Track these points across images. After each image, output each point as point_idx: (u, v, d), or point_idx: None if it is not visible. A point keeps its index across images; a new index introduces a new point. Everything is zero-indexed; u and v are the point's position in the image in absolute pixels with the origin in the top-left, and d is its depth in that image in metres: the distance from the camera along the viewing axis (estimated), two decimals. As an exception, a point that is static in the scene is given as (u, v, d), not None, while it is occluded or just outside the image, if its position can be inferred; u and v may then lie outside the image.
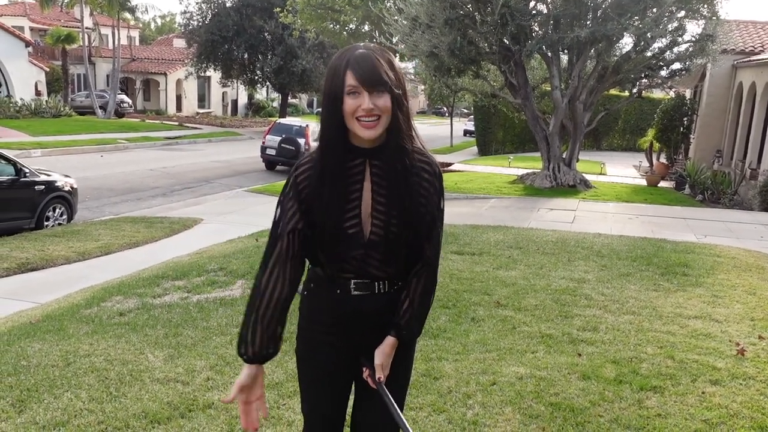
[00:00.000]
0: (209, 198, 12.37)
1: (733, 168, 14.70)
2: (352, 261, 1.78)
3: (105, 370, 3.69)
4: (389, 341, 1.84)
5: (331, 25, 24.23)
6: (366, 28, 24.32)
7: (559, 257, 6.81)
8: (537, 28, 12.68)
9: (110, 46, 35.98)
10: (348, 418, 2.06)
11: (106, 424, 3.04)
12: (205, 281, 5.83)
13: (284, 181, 1.84)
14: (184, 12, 33.92)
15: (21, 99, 26.67)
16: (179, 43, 40.60)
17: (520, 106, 14.35)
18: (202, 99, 41.55)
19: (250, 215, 10.26)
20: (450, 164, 18.86)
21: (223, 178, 15.42)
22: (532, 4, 12.59)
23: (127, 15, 32.93)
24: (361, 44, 1.75)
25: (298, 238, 1.76)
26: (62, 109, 27.74)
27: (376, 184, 1.76)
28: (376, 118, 1.67)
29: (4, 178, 8.32)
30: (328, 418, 1.99)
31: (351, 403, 2.05)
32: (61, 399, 3.29)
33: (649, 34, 11.79)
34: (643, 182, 15.90)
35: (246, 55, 32.39)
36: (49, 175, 9.12)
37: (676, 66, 13.09)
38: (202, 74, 35.53)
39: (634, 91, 14.82)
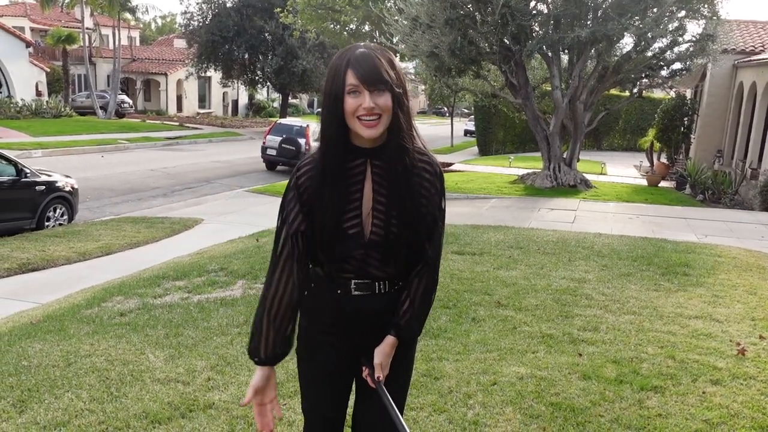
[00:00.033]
0: (210, 198, 12.37)
1: (733, 168, 14.70)
2: (352, 261, 1.79)
3: (106, 370, 3.69)
4: (389, 341, 1.84)
5: (332, 26, 24.24)
6: (366, 28, 24.32)
7: (560, 257, 6.81)
8: (537, 28, 12.68)
9: (111, 46, 36.01)
10: (349, 418, 2.06)
11: (106, 424, 3.04)
12: (205, 281, 5.83)
13: (285, 181, 1.85)
14: (185, 12, 33.82)
15: (22, 99, 26.69)
16: (180, 43, 40.61)
17: (520, 106, 14.35)
18: (203, 99, 41.57)
19: (250, 215, 10.27)
20: (450, 164, 18.86)
21: (224, 179, 15.42)
22: (532, 4, 12.59)
23: (128, 15, 32.96)
24: (362, 44, 1.75)
25: (302, 239, 1.78)
26: (63, 109, 27.75)
27: (377, 183, 1.76)
28: (377, 117, 1.67)
29: (5, 178, 8.33)
30: (328, 417, 1.99)
31: (352, 402, 2.05)
32: (62, 399, 3.29)
33: (649, 34, 11.78)
34: (644, 182, 15.90)
35: (246, 56, 32.39)
36: (49, 176, 9.13)
37: (677, 66, 13.09)
38: (203, 74, 35.54)
39: (635, 90, 14.82)
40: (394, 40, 14.63)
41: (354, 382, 2.00)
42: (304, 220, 1.77)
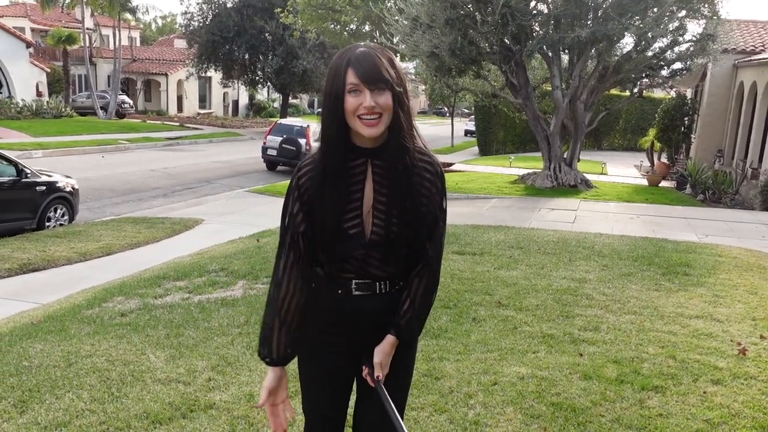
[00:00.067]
0: (210, 198, 12.37)
1: (734, 168, 14.69)
2: (353, 261, 1.79)
3: (106, 370, 3.69)
4: (389, 340, 1.84)
5: (332, 26, 24.25)
6: (367, 28, 24.33)
7: (561, 257, 6.81)
8: (538, 28, 12.68)
9: (111, 46, 36.02)
10: (350, 418, 2.06)
11: (107, 424, 3.04)
12: (206, 282, 5.83)
13: (285, 182, 1.86)
14: (185, 12, 33.80)
15: (22, 100, 26.70)
16: (180, 43, 40.62)
17: (520, 106, 14.34)
18: (203, 99, 41.58)
19: (251, 216, 10.27)
20: (451, 164, 18.85)
21: (224, 179, 15.43)
22: (532, 4, 12.58)
23: (128, 16, 32.98)
24: (362, 44, 1.76)
25: (304, 240, 1.79)
26: (63, 109, 27.76)
27: (377, 183, 1.76)
28: (377, 116, 1.67)
29: (6, 178, 8.33)
30: (328, 417, 1.99)
31: (353, 402, 2.05)
32: (63, 399, 3.30)
33: (649, 34, 11.78)
34: (644, 182, 15.89)
35: (247, 56, 32.39)
36: (50, 176, 9.13)
37: (677, 66, 13.08)
38: (203, 75, 35.55)
39: (635, 90, 14.82)
40: (395, 40, 14.63)
41: (355, 382, 2.00)
42: (304, 220, 1.78)
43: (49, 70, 31.01)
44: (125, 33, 38.46)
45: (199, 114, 38.83)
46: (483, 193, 12.60)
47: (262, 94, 45.23)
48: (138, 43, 47.32)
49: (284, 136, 16.88)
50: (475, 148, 26.55)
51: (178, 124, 30.90)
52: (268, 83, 34.62)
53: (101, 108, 30.60)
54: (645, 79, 13.95)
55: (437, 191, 1.81)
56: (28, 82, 28.62)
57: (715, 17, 12.35)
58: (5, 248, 7.29)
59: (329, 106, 1.71)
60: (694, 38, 12.59)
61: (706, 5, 12.27)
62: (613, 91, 21.42)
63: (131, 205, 11.51)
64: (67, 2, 32.22)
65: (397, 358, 1.88)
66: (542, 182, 13.40)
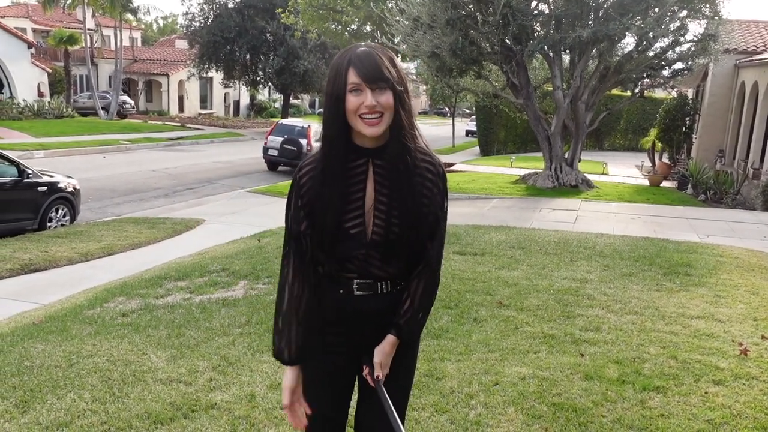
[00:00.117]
0: (211, 199, 12.38)
1: (735, 168, 14.68)
2: (354, 261, 1.79)
3: (108, 370, 3.69)
4: (389, 340, 1.84)
5: (333, 26, 24.24)
6: (368, 28, 24.33)
7: (562, 257, 6.81)
8: (539, 28, 12.68)
9: (112, 47, 36.07)
10: (351, 418, 2.06)
11: (109, 424, 3.05)
12: (207, 282, 5.84)
13: (286, 182, 1.87)
14: (186, 13, 33.86)
15: (23, 100, 26.72)
16: (181, 44, 40.64)
17: (522, 106, 14.34)
18: (205, 100, 41.60)
19: (252, 216, 10.27)
20: (452, 164, 18.86)
21: (226, 179, 15.43)
22: (533, 4, 12.58)
23: (129, 16, 33.01)
24: (363, 43, 1.76)
25: (305, 240, 1.80)
26: (65, 110, 27.78)
27: (378, 183, 1.77)
28: (378, 115, 1.68)
29: (7, 179, 8.34)
30: (329, 417, 1.99)
31: (354, 402, 2.05)
32: (65, 399, 3.30)
33: (651, 34, 11.77)
34: (646, 182, 15.88)
35: (248, 56, 32.42)
36: (51, 176, 9.14)
37: (678, 66, 13.07)
38: (204, 75, 35.57)
39: (636, 90, 14.80)
40: (396, 41, 14.63)
41: (356, 383, 2.00)
42: (304, 220, 1.78)
43: (50, 71, 31.04)
44: (126, 33, 38.51)
45: (200, 114, 38.85)
46: (484, 194, 12.60)
47: (263, 95, 45.26)
48: (139, 44, 47.40)
49: (285, 136, 16.89)
50: (476, 148, 26.55)
51: (179, 124, 30.91)
52: (269, 83, 34.64)
53: (102, 108, 30.62)
54: (646, 79, 13.94)
55: (439, 191, 1.81)
56: (29, 82, 28.64)
57: (716, 17, 12.34)
58: (7, 248, 7.30)
59: (330, 105, 1.72)
60: (695, 38, 12.58)
61: (708, 5, 12.26)
62: (615, 91, 21.42)
63: (132, 205, 11.52)
64: (68, 3, 32.19)
65: (397, 358, 1.88)
66: (543, 182, 13.40)
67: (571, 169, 13.70)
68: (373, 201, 1.77)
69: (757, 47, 15.48)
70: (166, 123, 30.91)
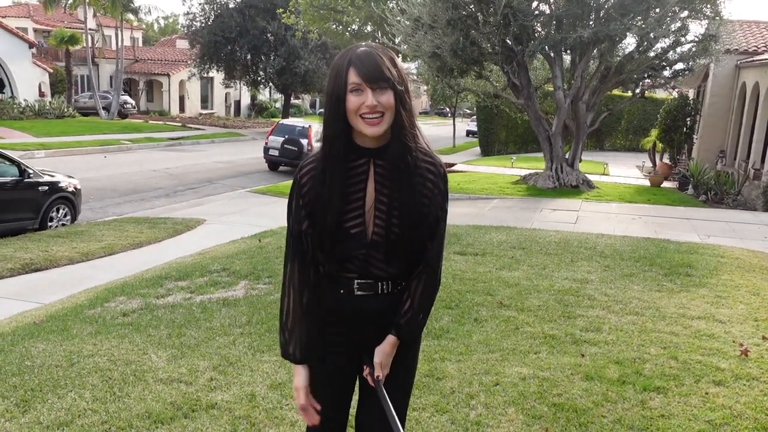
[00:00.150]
0: (212, 199, 12.39)
1: (736, 168, 14.67)
2: (355, 261, 1.79)
3: (108, 370, 3.70)
4: (389, 340, 1.85)
5: (334, 26, 24.24)
6: (368, 28, 24.33)
7: (562, 258, 6.81)
8: (540, 29, 12.67)
9: (113, 47, 36.09)
10: (352, 419, 2.06)
11: (109, 424, 3.05)
12: (208, 282, 5.84)
13: (287, 182, 1.87)
14: (187, 13, 33.88)
15: (25, 100, 26.74)
16: (182, 44, 40.67)
17: (522, 107, 14.34)
18: (205, 100, 41.62)
19: (253, 216, 10.28)
20: (453, 165, 18.86)
21: (226, 179, 15.44)
22: (534, 4, 12.58)
23: (131, 16, 33.00)
24: (363, 43, 1.77)
25: (306, 239, 1.81)
26: (66, 110, 27.80)
27: (379, 183, 1.77)
28: (379, 114, 1.68)
29: (8, 179, 8.35)
30: (329, 417, 1.98)
31: (355, 403, 2.05)
32: (65, 399, 3.30)
33: (652, 35, 11.77)
34: (647, 182, 15.88)
35: (249, 56, 32.43)
36: (52, 176, 9.14)
37: (679, 66, 13.06)
38: (205, 75, 35.59)
39: (637, 91, 14.79)
40: (397, 41, 14.63)
41: (357, 383, 2.01)
42: (305, 219, 1.79)
43: (51, 71, 31.05)
44: (128, 33, 38.49)
45: (201, 114, 38.87)
46: (485, 194, 12.60)
47: (264, 95, 45.26)
48: (140, 44, 47.41)
49: (286, 136, 16.90)
50: (477, 149, 26.55)
51: (180, 124, 30.92)
52: (270, 84, 34.65)
53: (103, 108, 30.63)
54: (647, 80, 13.93)
55: (439, 192, 1.81)
56: (30, 82, 28.66)
57: (717, 18, 12.33)
58: (8, 248, 7.30)
59: (331, 105, 1.72)
60: (696, 39, 12.57)
61: (709, 6, 12.25)
62: (615, 92, 21.42)
63: (133, 205, 11.53)
64: (69, 3, 32.20)
65: (397, 359, 1.88)
66: (544, 183, 13.39)
67: (572, 170, 13.70)
68: (374, 201, 1.77)
69: (758, 48, 15.47)
70: (167, 123, 30.92)
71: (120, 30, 31.33)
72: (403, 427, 1.88)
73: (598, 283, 5.79)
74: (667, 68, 13.20)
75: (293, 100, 40.23)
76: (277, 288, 5.48)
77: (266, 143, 17.37)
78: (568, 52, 13.22)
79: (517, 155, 22.77)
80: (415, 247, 1.81)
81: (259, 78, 34.15)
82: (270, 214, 10.25)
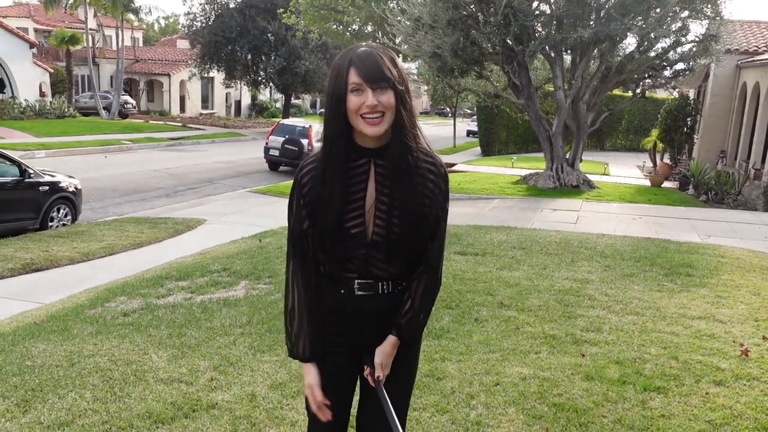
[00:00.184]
0: (213, 199, 12.39)
1: (737, 168, 14.67)
2: (355, 261, 1.79)
3: (109, 370, 3.70)
4: (390, 341, 1.85)
5: (334, 26, 24.25)
6: (369, 28, 24.34)
7: (563, 258, 6.81)
8: (540, 29, 12.67)
9: (114, 47, 36.12)
10: (352, 419, 2.06)
11: (110, 424, 3.05)
12: (208, 282, 5.84)
13: (287, 182, 1.87)
14: (188, 13, 33.88)
15: (25, 100, 26.75)
16: (183, 44, 40.69)
17: (523, 107, 14.34)
18: (206, 100, 41.63)
19: (253, 216, 10.28)
20: (453, 164, 18.86)
21: (227, 179, 15.44)
22: (535, 4, 12.58)
23: (131, 16, 33.01)
24: (364, 44, 1.77)
25: (307, 239, 1.81)
26: (66, 110, 27.81)
27: (380, 183, 1.77)
28: (380, 114, 1.68)
29: (9, 179, 8.35)
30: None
31: (356, 403, 2.05)
32: (66, 399, 3.30)
33: (652, 35, 11.76)
34: (647, 183, 15.87)
35: (249, 56, 32.43)
36: (53, 176, 9.14)
37: (680, 66, 13.05)
38: (206, 75, 35.60)
39: (638, 91, 14.79)
40: (397, 41, 14.64)
41: (358, 383, 2.01)
42: (305, 219, 1.79)
43: (52, 71, 31.06)
44: (128, 33, 38.51)
45: (201, 114, 38.88)
46: (485, 194, 12.60)
47: (264, 95, 45.29)
48: (141, 44, 47.42)
49: (286, 136, 16.90)
50: (478, 149, 26.55)
51: (180, 124, 30.92)
52: (271, 84, 34.66)
53: (104, 108, 30.64)
54: (648, 80, 13.93)
55: (440, 192, 1.81)
56: (31, 82, 28.67)
57: (717, 18, 12.32)
58: (8, 248, 7.31)
59: (332, 105, 1.72)
60: (696, 39, 12.57)
61: (709, 6, 12.25)
62: (616, 92, 21.41)
63: (134, 205, 11.53)
64: (70, 3, 32.21)
65: (398, 359, 1.88)
66: (544, 183, 13.39)
67: (573, 170, 13.70)
68: (374, 201, 1.77)
69: (759, 48, 15.46)
70: (168, 123, 30.92)
71: (120, 30, 31.34)
72: (404, 428, 1.89)
73: (599, 283, 5.79)
74: (668, 68, 13.19)
75: (294, 100, 40.25)
76: (278, 288, 5.48)
77: (267, 143, 17.37)
78: (569, 52, 13.22)
79: (518, 155, 22.77)
80: (415, 247, 1.81)
81: (259, 78, 34.16)
82: (270, 214, 10.26)
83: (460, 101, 27.63)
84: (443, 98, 26.96)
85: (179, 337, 4.29)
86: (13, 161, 8.54)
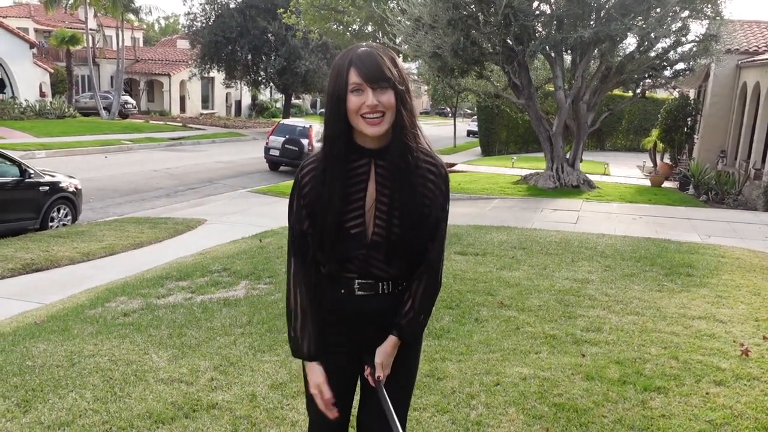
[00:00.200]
0: (213, 199, 12.39)
1: (737, 168, 14.67)
2: (355, 261, 1.79)
3: (109, 370, 3.70)
4: (391, 341, 1.85)
5: (335, 26, 24.25)
6: (369, 28, 24.34)
7: (563, 258, 6.80)
8: (540, 29, 12.67)
9: (114, 47, 36.13)
10: (353, 419, 2.06)
11: (110, 424, 3.05)
12: (208, 282, 5.84)
13: (287, 182, 1.87)
14: (188, 13, 33.92)
15: (25, 100, 26.75)
16: (183, 44, 40.69)
17: (523, 107, 14.34)
18: (206, 100, 41.64)
19: (253, 216, 10.28)
20: (454, 164, 18.86)
21: (227, 179, 15.44)
22: (535, 4, 12.58)
23: (131, 16, 33.02)
24: (364, 44, 1.77)
25: (307, 239, 1.81)
26: (66, 110, 27.80)
27: (380, 184, 1.77)
28: (380, 114, 1.68)
29: (9, 179, 8.35)
30: (330, 418, 1.99)
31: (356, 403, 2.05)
32: (66, 399, 3.31)
33: (652, 34, 11.76)
34: (647, 182, 15.87)
35: (249, 56, 32.44)
36: (53, 176, 9.14)
37: (680, 66, 13.05)
38: (206, 75, 35.61)
39: (638, 91, 14.80)
40: (397, 41, 14.64)
41: (359, 383, 2.01)
42: (305, 219, 1.79)
43: (52, 71, 31.06)
44: (128, 33, 38.52)
45: (201, 114, 38.88)
46: (485, 194, 12.60)
47: (264, 95, 45.30)
48: (141, 44, 47.43)
49: (287, 136, 16.90)
50: (478, 149, 26.56)
51: (180, 124, 30.92)
52: (271, 84, 34.66)
53: (104, 108, 30.64)
54: (648, 80, 13.93)
55: (441, 192, 1.81)
56: (31, 82, 28.67)
57: (718, 18, 12.32)
58: (8, 248, 7.31)
59: (332, 105, 1.72)
60: (697, 39, 12.57)
61: (709, 6, 12.24)
62: (616, 92, 21.41)
63: (134, 205, 11.53)
64: (70, 3, 32.22)
65: (398, 359, 1.88)
66: (545, 183, 13.39)
67: (573, 170, 13.70)
68: (374, 201, 1.77)
69: (759, 48, 15.46)
70: (168, 123, 30.92)
71: (121, 30, 31.35)
72: (404, 428, 1.89)
73: (599, 283, 5.79)
74: (668, 68, 13.19)
75: (294, 100, 40.25)
76: (278, 288, 5.48)
77: (267, 143, 17.37)
78: (569, 52, 13.22)
79: (518, 155, 22.77)
80: (415, 247, 1.81)
81: (259, 78, 34.17)
82: (271, 214, 10.26)
83: (461, 101, 27.63)
84: (443, 98, 26.97)
85: (179, 337, 4.29)
86: (13, 161, 8.55)
